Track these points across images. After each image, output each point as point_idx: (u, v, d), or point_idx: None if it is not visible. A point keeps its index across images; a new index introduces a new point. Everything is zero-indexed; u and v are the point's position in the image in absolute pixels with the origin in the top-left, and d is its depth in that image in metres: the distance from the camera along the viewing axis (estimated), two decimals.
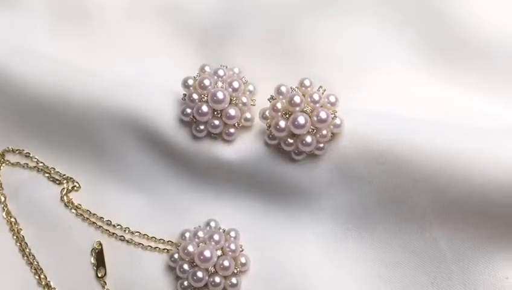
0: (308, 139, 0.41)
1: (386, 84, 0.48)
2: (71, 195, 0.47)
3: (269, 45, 0.50)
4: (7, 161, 0.49)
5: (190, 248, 0.43)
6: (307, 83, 0.42)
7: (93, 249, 0.45)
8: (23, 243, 0.46)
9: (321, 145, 0.42)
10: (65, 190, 0.47)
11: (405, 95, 0.47)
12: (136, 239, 0.45)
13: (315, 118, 0.41)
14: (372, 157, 0.42)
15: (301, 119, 0.40)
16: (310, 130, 0.41)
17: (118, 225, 0.46)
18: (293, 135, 0.42)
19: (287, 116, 0.41)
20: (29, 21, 0.52)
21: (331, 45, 0.50)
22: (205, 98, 0.43)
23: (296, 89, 0.42)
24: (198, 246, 0.43)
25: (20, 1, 0.53)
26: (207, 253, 0.42)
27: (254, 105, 0.44)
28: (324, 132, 0.41)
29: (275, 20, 0.51)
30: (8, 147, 0.49)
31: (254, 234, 0.45)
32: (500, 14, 0.48)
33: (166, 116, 0.45)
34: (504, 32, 0.47)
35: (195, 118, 0.43)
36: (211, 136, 0.44)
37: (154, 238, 0.45)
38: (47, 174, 0.48)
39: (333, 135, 0.42)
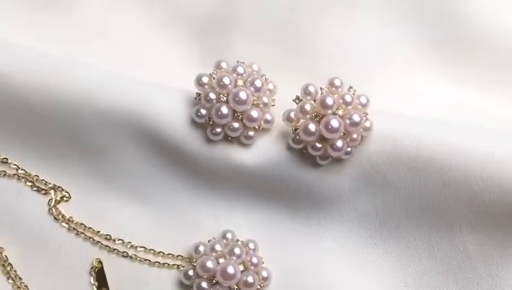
0: (339, 143, 0.38)
1: (394, 83, 0.47)
2: (60, 207, 0.42)
3: (272, 39, 0.47)
4: None
5: (209, 264, 0.39)
6: (337, 82, 0.39)
7: (92, 267, 0.40)
8: (6, 265, 0.40)
9: (349, 149, 0.39)
10: (53, 200, 0.42)
11: (414, 94, 0.46)
12: (141, 255, 0.41)
13: (348, 121, 0.38)
14: (399, 161, 0.40)
15: (335, 123, 0.37)
16: (342, 134, 0.38)
17: (119, 240, 0.41)
18: (322, 139, 0.39)
19: (318, 119, 0.38)
20: (9, 9, 0.45)
21: (338, 37, 0.47)
22: (224, 98, 0.39)
23: (326, 90, 0.39)
24: (218, 262, 0.39)
25: None
26: (230, 270, 0.38)
27: (274, 105, 0.41)
28: (354, 136, 0.39)
29: (277, 12, 0.47)
30: None
31: (273, 244, 0.42)
32: (510, 12, 0.48)
33: (173, 117, 0.40)
34: None
35: (211, 120, 0.39)
36: (227, 139, 0.40)
37: (161, 253, 0.41)
38: (30, 183, 0.42)
39: (362, 138, 0.40)
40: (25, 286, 0.39)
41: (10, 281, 0.40)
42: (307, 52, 0.47)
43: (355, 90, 0.39)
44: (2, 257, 0.40)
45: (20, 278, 0.40)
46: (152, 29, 0.47)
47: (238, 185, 0.42)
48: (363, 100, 0.39)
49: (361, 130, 0.39)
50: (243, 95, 0.38)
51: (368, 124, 0.39)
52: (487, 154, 0.39)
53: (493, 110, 0.46)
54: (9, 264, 0.40)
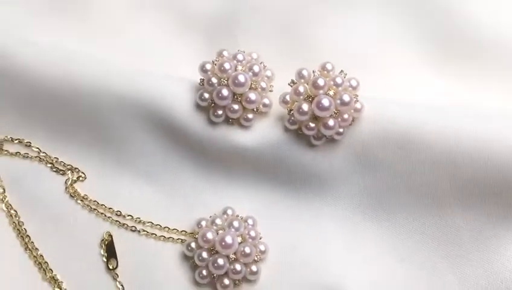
0: (331, 122, 0.41)
1: (392, 78, 0.49)
2: (76, 186, 0.45)
3: (277, 36, 0.51)
4: (6, 151, 0.46)
5: (209, 235, 0.41)
6: (328, 66, 0.42)
7: (102, 240, 0.43)
8: (25, 237, 0.43)
9: (341, 130, 0.42)
10: (70, 180, 0.45)
11: (412, 89, 0.48)
12: (148, 230, 0.44)
13: (338, 101, 0.41)
14: (390, 141, 0.42)
15: (326, 102, 0.40)
16: (333, 113, 0.41)
17: (129, 216, 0.44)
18: (315, 119, 0.42)
19: (310, 99, 0.41)
20: (32, 12, 0.50)
21: (339, 38, 0.50)
22: (225, 82, 0.42)
23: (318, 73, 0.42)
24: (217, 233, 0.41)
25: None
26: (228, 239, 0.41)
27: (272, 91, 0.44)
28: (345, 116, 0.42)
29: (282, 12, 0.51)
30: (6, 137, 0.46)
31: (272, 222, 0.44)
32: (507, 11, 0.50)
33: (180, 102, 0.44)
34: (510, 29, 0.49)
35: (213, 102, 0.43)
36: (228, 121, 0.43)
37: (167, 229, 0.44)
38: (50, 165, 0.46)
39: (353, 119, 0.42)
40: (40, 255, 0.43)
41: (27, 251, 0.43)
42: (310, 49, 0.50)
43: (346, 74, 0.42)
44: (22, 229, 0.43)
45: (36, 249, 0.43)
46: (163, 31, 0.51)
47: (239, 166, 0.44)
48: (354, 83, 0.42)
49: (352, 111, 0.42)
50: (241, 78, 0.42)
51: (358, 105, 0.42)
52: (473, 133, 0.41)
53: (486, 103, 0.48)
54: (28, 236, 0.43)
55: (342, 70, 0.43)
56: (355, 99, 0.42)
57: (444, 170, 0.42)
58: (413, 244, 0.43)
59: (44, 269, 0.42)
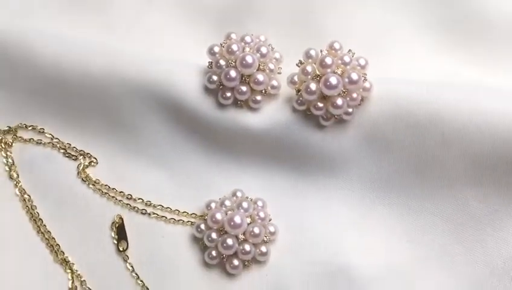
0: (339, 101, 0.41)
1: (403, 62, 0.49)
2: (88, 170, 0.46)
3: (287, 23, 0.50)
4: (20, 137, 0.47)
5: (218, 216, 0.41)
6: (336, 46, 0.42)
7: (113, 222, 0.43)
8: (37, 220, 0.44)
9: (350, 110, 0.42)
10: (82, 165, 0.46)
11: (423, 72, 0.48)
12: (159, 212, 0.44)
13: (346, 80, 0.41)
14: (401, 120, 0.42)
15: (333, 80, 0.40)
16: (341, 92, 0.41)
17: (139, 199, 0.44)
18: (323, 98, 0.42)
19: (318, 78, 0.41)
20: (48, 4, 0.51)
21: (350, 23, 0.50)
22: (233, 63, 0.42)
23: (326, 52, 0.42)
24: (227, 214, 0.41)
25: None
26: (237, 219, 0.41)
27: (280, 73, 0.44)
28: (354, 95, 0.41)
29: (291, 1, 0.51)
30: (21, 123, 0.47)
31: (282, 204, 0.44)
32: None
33: (189, 86, 0.44)
34: None
35: (222, 84, 0.43)
36: (236, 104, 0.43)
37: (177, 211, 0.44)
38: (62, 150, 0.47)
39: (362, 99, 0.42)
40: (52, 238, 0.43)
41: (39, 234, 0.43)
42: (320, 35, 0.50)
43: (354, 53, 0.42)
44: (34, 213, 0.44)
45: (48, 232, 0.43)
46: (175, 21, 0.52)
47: (248, 148, 0.44)
48: (362, 62, 0.42)
49: (361, 90, 0.42)
50: (249, 58, 0.42)
51: (367, 84, 0.42)
52: (485, 109, 0.41)
53: (498, 82, 0.47)
54: (40, 219, 0.44)
55: (350, 50, 0.42)
56: (363, 78, 0.41)
57: (456, 149, 0.41)
58: (425, 226, 0.42)
59: (55, 252, 0.42)
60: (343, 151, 0.43)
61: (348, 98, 0.41)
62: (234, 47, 0.42)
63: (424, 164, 0.42)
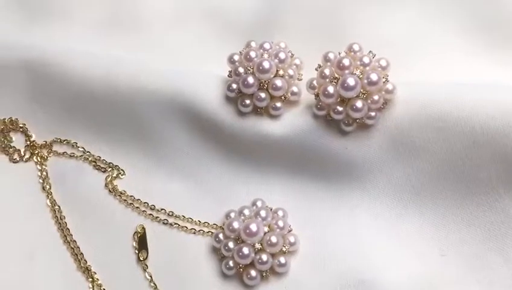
0: (359, 104, 0.39)
1: (434, 67, 0.46)
2: (116, 182, 0.46)
3: (314, 35, 0.50)
4: (55, 151, 0.49)
5: (235, 225, 0.40)
6: (355, 47, 0.40)
7: (135, 232, 0.43)
8: (65, 230, 0.45)
9: (372, 113, 0.40)
10: (109, 177, 0.47)
11: (453, 78, 0.45)
12: (180, 223, 0.43)
13: (365, 81, 0.39)
14: (428, 122, 0.39)
15: (351, 81, 0.39)
16: (361, 94, 0.39)
17: (162, 209, 0.44)
18: (342, 102, 0.40)
19: (336, 81, 0.40)
20: (84, 27, 0.53)
21: (378, 30, 0.48)
22: (251, 70, 0.42)
23: (345, 54, 0.40)
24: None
25: (77, 11, 0.55)
26: (253, 227, 0.39)
27: (301, 80, 0.43)
28: (376, 97, 0.39)
29: (319, 10, 0.50)
30: (56, 138, 0.49)
31: (304, 214, 0.42)
32: None
33: (210, 96, 0.44)
34: None
35: (241, 92, 0.42)
36: (257, 111, 0.43)
37: (198, 222, 0.43)
38: (93, 163, 0.48)
39: (385, 102, 0.40)
40: (77, 247, 0.44)
41: (66, 243, 0.44)
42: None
43: (374, 54, 0.41)
44: (63, 222, 0.45)
45: (74, 241, 0.44)
46: (204, 37, 0.52)
47: (269, 156, 0.43)
48: (383, 63, 0.40)
49: (383, 92, 0.40)
50: (266, 64, 0.41)
51: (389, 86, 0.40)
52: None
53: None
54: (67, 229, 0.45)
55: (370, 51, 0.41)
56: (384, 79, 0.39)
57: (486, 151, 0.38)
58: (459, 236, 0.39)
59: (79, 260, 0.43)
60: (368, 158, 0.41)
61: (369, 101, 0.40)
62: (252, 54, 0.42)
63: (454, 169, 0.39)
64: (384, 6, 0.49)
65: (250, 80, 0.42)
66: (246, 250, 0.39)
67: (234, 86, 0.43)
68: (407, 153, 0.40)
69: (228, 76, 0.44)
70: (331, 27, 0.50)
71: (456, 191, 0.39)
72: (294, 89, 0.43)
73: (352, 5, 0.50)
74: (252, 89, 0.42)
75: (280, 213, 0.41)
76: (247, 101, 0.42)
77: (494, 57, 0.46)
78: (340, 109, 0.40)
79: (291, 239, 0.40)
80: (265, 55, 0.42)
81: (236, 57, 0.43)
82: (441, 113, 0.39)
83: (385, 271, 0.39)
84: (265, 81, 0.42)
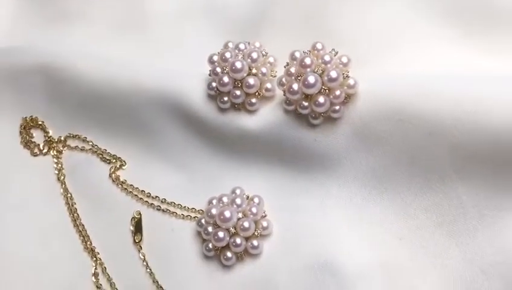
0: (321, 99, 0.42)
1: (415, 60, 0.48)
2: (119, 172, 0.52)
3: (302, 31, 0.52)
4: (68, 145, 0.55)
5: (213, 211, 0.45)
6: (318, 46, 0.43)
7: (132, 217, 0.49)
8: (75, 215, 0.51)
9: (336, 107, 0.43)
10: (113, 168, 0.52)
11: (436, 67, 0.47)
12: (171, 209, 0.48)
13: (326, 78, 0.42)
14: (388, 115, 0.42)
15: (311, 79, 0.42)
16: (323, 90, 0.42)
17: (156, 197, 0.49)
18: (307, 98, 0.43)
19: (299, 78, 0.43)
20: (91, 29, 0.59)
21: (360, 24, 0.51)
22: (226, 70, 0.46)
23: (309, 52, 0.43)
24: None
25: (84, 14, 0.60)
26: (227, 213, 0.44)
27: (275, 76, 0.46)
28: (337, 92, 0.42)
29: (305, 6, 0.53)
30: (69, 133, 0.55)
31: (280, 201, 0.46)
32: None
33: (195, 94, 0.48)
34: None
35: (218, 90, 0.46)
36: (235, 107, 0.47)
37: (186, 208, 0.48)
38: (100, 155, 0.53)
39: (348, 96, 0.43)
40: (84, 230, 0.50)
41: (75, 227, 0.50)
42: (333, 41, 0.51)
43: (336, 52, 0.43)
44: (73, 208, 0.51)
45: (82, 225, 0.50)
46: (202, 35, 0.56)
47: (249, 149, 0.47)
48: (344, 60, 0.43)
49: (345, 87, 0.43)
50: (238, 64, 0.45)
51: (351, 81, 0.42)
52: (475, 100, 0.39)
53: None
54: (77, 214, 0.51)
55: (333, 49, 0.43)
56: (344, 75, 0.42)
57: (440, 141, 0.40)
58: (416, 222, 0.41)
59: (85, 241, 0.49)
60: (335, 149, 0.44)
61: (331, 96, 0.42)
62: (227, 54, 0.46)
63: (412, 158, 0.42)
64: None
65: (226, 79, 0.46)
66: (221, 234, 0.44)
67: (213, 84, 0.47)
68: (370, 143, 0.43)
69: (209, 75, 0.48)
70: (316, 19, 0.52)
71: (414, 179, 0.42)
72: (268, 85, 0.46)
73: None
74: (228, 87, 0.46)
75: (256, 200, 0.45)
76: (225, 98, 0.46)
77: (476, 45, 0.47)
78: (305, 104, 0.43)
79: (264, 224, 0.44)
80: (240, 56, 0.46)
81: (215, 58, 0.47)
82: (399, 106, 0.41)
83: (348, 254, 0.42)
84: (239, 80, 0.46)
